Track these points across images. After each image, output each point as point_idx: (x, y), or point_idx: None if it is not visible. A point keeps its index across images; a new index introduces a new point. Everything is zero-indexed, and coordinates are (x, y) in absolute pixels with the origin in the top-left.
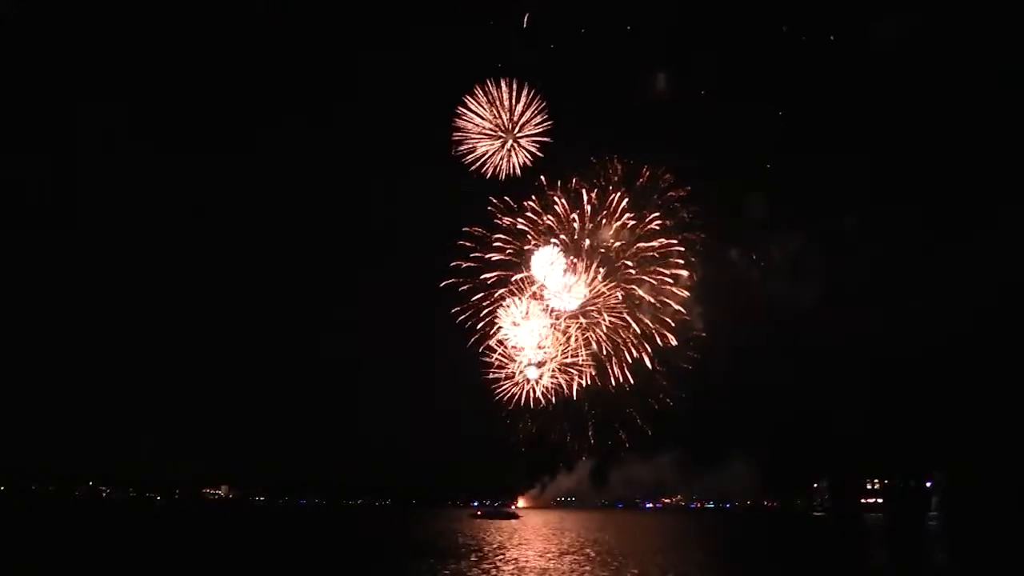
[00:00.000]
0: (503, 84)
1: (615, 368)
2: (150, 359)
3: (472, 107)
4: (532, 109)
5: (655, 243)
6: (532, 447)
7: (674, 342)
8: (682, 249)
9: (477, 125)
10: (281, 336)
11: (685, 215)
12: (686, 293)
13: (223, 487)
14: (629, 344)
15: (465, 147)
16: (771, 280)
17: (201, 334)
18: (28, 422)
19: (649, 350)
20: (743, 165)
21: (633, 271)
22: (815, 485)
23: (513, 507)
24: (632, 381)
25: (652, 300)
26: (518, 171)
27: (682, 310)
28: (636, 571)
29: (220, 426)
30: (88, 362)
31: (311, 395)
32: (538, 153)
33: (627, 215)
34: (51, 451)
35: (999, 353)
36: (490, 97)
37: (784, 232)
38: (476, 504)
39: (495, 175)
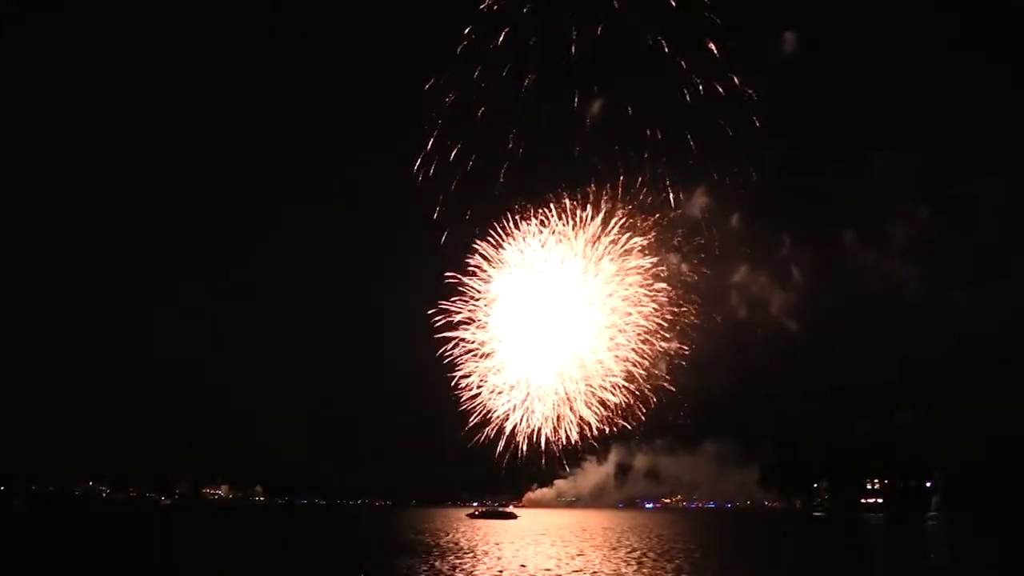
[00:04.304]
0: None
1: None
2: (149, 359)
3: None
4: None
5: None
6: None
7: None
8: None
9: None
10: (280, 334)
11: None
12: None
13: (223, 487)
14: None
15: None
16: (888, 263)
17: (201, 332)
18: (28, 422)
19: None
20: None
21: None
22: (815, 485)
23: (511, 507)
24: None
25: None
26: None
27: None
28: None
29: (219, 426)
30: (87, 361)
31: (310, 394)
32: None
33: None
34: (51, 451)
35: (999, 352)
36: None
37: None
38: (476, 503)
39: None
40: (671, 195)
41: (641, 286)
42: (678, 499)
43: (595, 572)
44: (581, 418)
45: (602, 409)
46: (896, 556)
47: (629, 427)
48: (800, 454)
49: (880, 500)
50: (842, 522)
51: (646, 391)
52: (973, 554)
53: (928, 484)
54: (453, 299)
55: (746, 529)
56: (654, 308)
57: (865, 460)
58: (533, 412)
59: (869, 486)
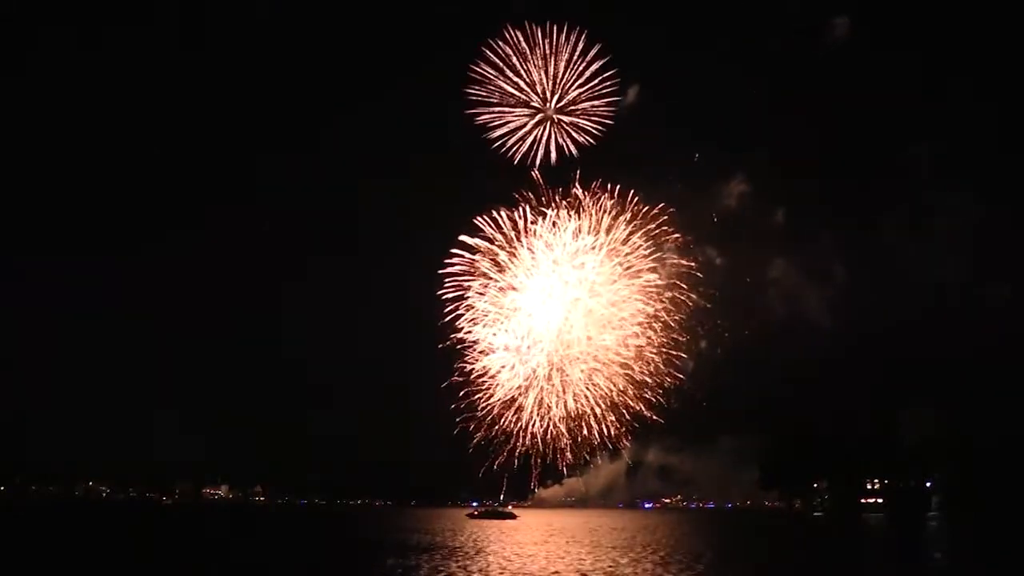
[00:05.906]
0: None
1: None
2: (150, 359)
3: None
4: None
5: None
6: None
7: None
8: None
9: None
10: (278, 334)
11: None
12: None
13: (223, 487)
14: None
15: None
16: (930, 258)
17: (201, 332)
18: (28, 422)
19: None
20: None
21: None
22: (815, 485)
23: (510, 507)
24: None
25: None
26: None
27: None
28: None
29: (218, 425)
30: (87, 361)
31: (310, 394)
32: None
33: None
34: (51, 451)
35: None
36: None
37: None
38: (476, 503)
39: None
40: (708, 184)
41: (671, 286)
42: (678, 499)
43: None
44: (597, 422)
45: (623, 411)
46: (896, 556)
47: (650, 434)
48: (800, 454)
49: (880, 500)
50: (842, 522)
51: (671, 397)
52: (973, 554)
53: (928, 484)
54: (467, 296)
55: (750, 529)
56: (685, 310)
57: (865, 460)
58: (548, 412)
59: (869, 486)
